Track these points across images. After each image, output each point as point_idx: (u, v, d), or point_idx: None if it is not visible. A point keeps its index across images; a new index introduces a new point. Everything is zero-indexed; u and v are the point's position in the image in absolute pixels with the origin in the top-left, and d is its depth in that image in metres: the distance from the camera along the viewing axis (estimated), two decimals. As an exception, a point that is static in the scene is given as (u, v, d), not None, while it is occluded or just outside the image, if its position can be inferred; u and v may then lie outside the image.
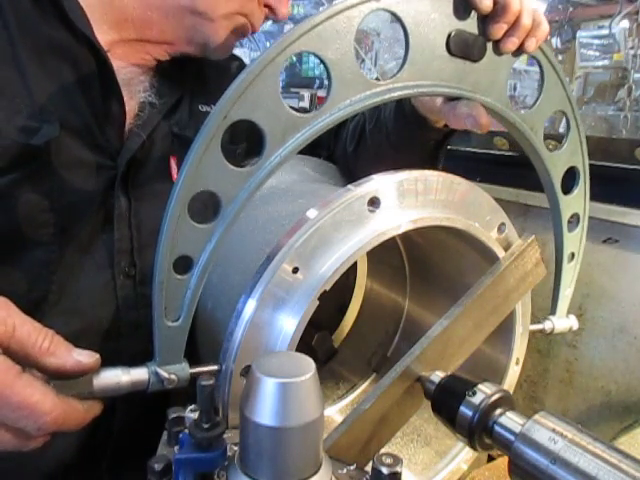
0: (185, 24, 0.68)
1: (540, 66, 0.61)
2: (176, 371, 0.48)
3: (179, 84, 0.77)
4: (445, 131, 0.79)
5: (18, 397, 0.41)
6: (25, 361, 0.44)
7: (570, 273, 0.73)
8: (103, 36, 0.67)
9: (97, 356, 0.46)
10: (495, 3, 0.54)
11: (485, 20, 0.55)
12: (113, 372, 0.47)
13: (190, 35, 0.70)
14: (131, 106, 0.70)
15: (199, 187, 0.46)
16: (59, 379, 0.45)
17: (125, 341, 0.70)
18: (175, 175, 0.74)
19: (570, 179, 0.69)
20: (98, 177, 0.67)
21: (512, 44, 0.57)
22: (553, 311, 0.74)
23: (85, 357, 0.45)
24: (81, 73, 0.65)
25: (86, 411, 0.46)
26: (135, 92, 0.71)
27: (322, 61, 0.48)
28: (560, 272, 0.72)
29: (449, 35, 0.53)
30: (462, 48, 0.54)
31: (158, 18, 0.68)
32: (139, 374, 0.47)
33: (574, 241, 0.72)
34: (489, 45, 0.57)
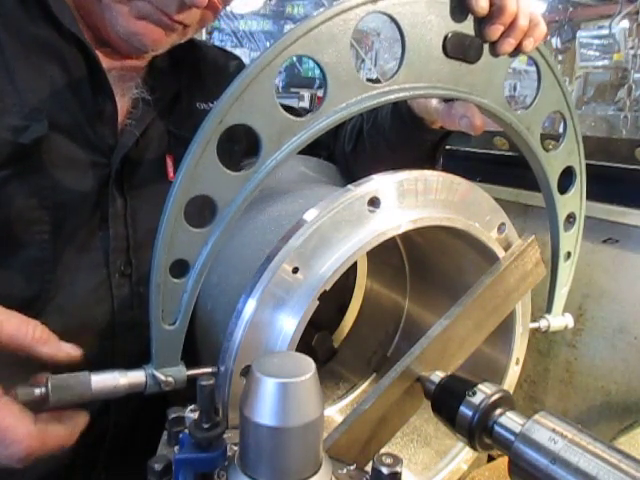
0: (98, 16, 0.66)
1: (537, 67, 0.62)
2: (173, 373, 0.49)
3: (173, 80, 0.77)
4: (442, 132, 0.79)
5: None
6: (19, 351, 0.44)
7: (566, 272, 0.74)
8: (90, 33, 0.67)
9: (80, 351, 0.47)
10: (491, 5, 0.55)
11: (482, 22, 0.55)
12: (111, 375, 0.47)
13: (105, 27, 0.67)
14: (123, 103, 0.70)
15: (195, 191, 0.46)
16: (57, 372, 0.45)
17: (120, 340, 0.70)
18: (171, 174, 0.74)
19: (567, 179, 0.69)
20: (92, 175, 0.67)
21: (509, 45, 0.57)
22: (549, 309, 0.75)
23: (71, 348, 0.46)
24: (70, 71, 0.65)
25: (72, 429, 0.46)
26: (127, 89, 0.71)
27: (318, 64, 0.48)
28: (556, 271, 0.73)
29: (446, 37, 0.54)
30: (459, 50, 0.55)
31: (87, 15, 0.67)
32: (136, 376, 0.48)
33: (570, 240, 0.72)
34: (486, 46, 0.57)
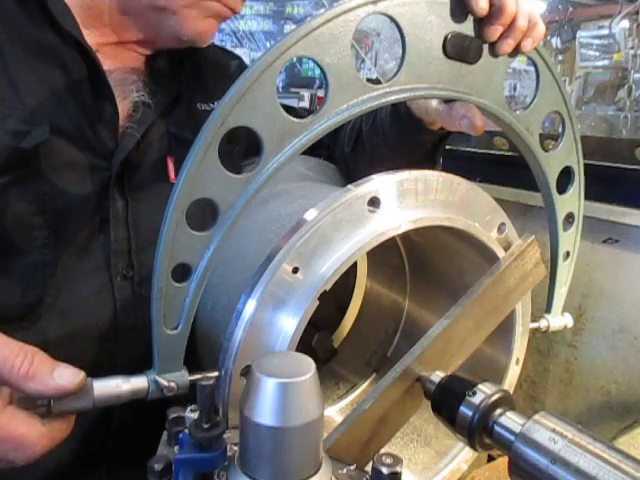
0: (152, 22, 0.68)
1: (536, 67, 0.62)
2: (175, 379, 0.48)
3: (174, 83, 0.77)
4: (441, 133, 0.79)
5: (3, 431, 0.42)
6: (5, 386, 0.43)
7: (565, 271, 0.74)
8: (91, 37, 0.67)
9: (82, 375, 0.44)
10: (491, 5, 0.55)
11: (481, 22, 0.56)
12: (113, 382, 0.46)
13: (161, 31, 0.69)
14: (124, 106, 0.70)
15: (197, 195, 0.46)
16: None
17: (122, 343, 0.70)
18: (172, 175, 0.74)
19: (565, 178, 0.69)
20: (92, 179, 0.67)
21: (508, 46, 0.57)
22: (548, 309, 0.75)
23: (67, 379, 0.43)
24: (71, 75, 0.65)
25: (69, 421, 0.46)
26: (128, 92, 0.71)
27: (319, 66, 0.48)
28: (555, 270, 0.73)
29: (446, 37, 0.54)
30: (459, 50, 0.55)
31: (130, 20, 0.69)
32: (139, 382, 0.47)
33: (569, 240, 0.72)
34: (485, 47, 0.57)
